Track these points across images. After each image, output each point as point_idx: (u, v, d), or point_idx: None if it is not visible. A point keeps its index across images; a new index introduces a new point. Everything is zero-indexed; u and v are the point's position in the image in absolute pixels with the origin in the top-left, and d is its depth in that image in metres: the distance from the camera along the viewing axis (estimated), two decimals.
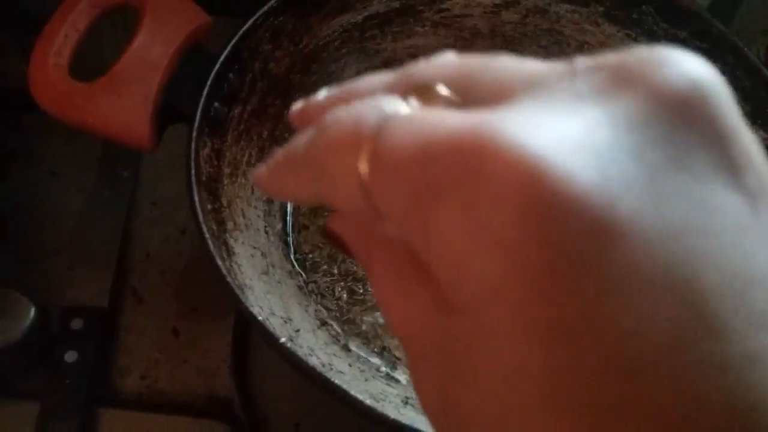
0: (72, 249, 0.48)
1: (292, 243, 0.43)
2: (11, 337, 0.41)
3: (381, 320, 0.41)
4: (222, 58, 0.40)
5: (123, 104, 0.38)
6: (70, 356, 0.43)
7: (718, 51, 0.42)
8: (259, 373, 0.45)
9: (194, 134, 0.37)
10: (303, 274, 0.42)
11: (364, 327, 0.41)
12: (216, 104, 0.40)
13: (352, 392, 0.30)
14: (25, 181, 0.53)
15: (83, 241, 0.49)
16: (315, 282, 0.42)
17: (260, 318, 0.31)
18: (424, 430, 0.29)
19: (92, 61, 0.42)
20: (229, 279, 0.32)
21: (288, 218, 0.44)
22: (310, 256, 0.43)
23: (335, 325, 0.41)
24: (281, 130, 0.45)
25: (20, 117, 0.54)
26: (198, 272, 0.49)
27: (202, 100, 0.38)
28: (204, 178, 0.38)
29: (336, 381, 0.32)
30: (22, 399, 0.42)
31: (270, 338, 0.31)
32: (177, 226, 0.51)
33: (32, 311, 0.42)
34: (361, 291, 0.42)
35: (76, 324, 0.44)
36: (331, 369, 0.37)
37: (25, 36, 0.42)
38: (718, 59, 0.42)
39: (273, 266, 0.41)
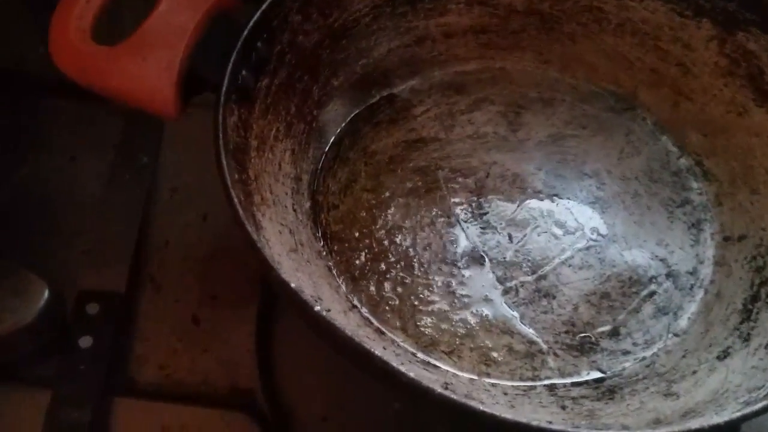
0: (89, 234, 0.46)
1: (322, 223, 0.41)
2: (23, 319, 0.38)
3: (413, 305, 0.38)
4: (251, 24, 0.38)
5: (147, 68, 0.36)
6: (85, 342, 0.41)
7: None
8: (285, 364, 0.42)
9: (222, 98, 0.35)
10: (332, 255, 0.40)
11: (396, 311, 0.38)
12: (244, 72, 0.38)
13: (393, 363, 0.27)
14: (44, 167, 0.51)
15: (101, 227, 0.47)
16: (345, 263, 0.39)
17: (293, 283, 0.29)
18: (475, 405, 0.26)
19: (114, 27, 0.40)
20: (259, 245, 0.30)
21: (316, 197, 0.41)
22: (341, 236, 0.40)
23: (366, 310, 0.38)
24: (309, 107, 0.43)
25: (38, 102, 0.53)
26: (219, 259, 0.46)
27: (231, 64, 0.36)
28: (231, 147, 0.35)
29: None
30: (32, 385, 0.40)
31: (304, 306, 0.29)
32: (197, 212, 0.48)
33: (46, 293, 0.39)
34: (393, 275, 0.39)
35: (92, 309, 0.42)
36: None
37: (42, 10, 0.40)
38: None
39: (302, 245, 0.38)
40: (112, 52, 0.36)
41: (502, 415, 0.26)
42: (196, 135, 0.40)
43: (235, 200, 0.31)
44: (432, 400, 0.27)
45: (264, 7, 0.39)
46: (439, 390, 0.27)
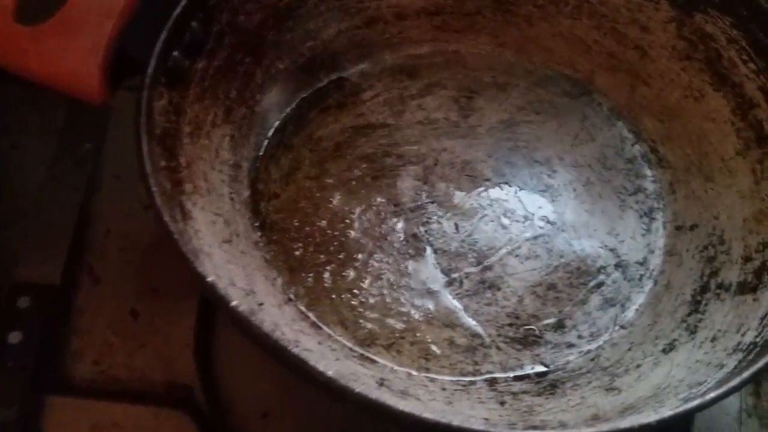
0: (27, 223, 0.45)
1: (261, 212, 0.39)
2: None
3: (354, 297, 0.37)
4: (184, 2, 0.36)
5: (71, 49, 0.34)
6: (14, 337, 0.39)
7: (731, 3, 0.39)
8: (225, 359, 0.41)
9: (148, 80, 0.33)
10: (270, 246, 0.38)
11: (335, 304, 0.36)
12: (176, 53, 0.36)
13: (313, 363, 0.25)
14: None
15: (39, 216, 0.45)
16: (284, 255, 0.38)
17: (210, 277, 0.27)
18: (394, 406, 0.25)
19: (41, 7, 0.38)
20: (176, 236, 0.28)
21: (256, 185, 0.40)
22: (281, 226, 0.39)
23: (303, 302, 0.36)
24: (252, 91, 0.41)
25: None
26: (161, 250, 0.45)
27: (160, 45, 0.34)
28: (158, 132, 0.34)
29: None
30: None
31: (221, 301, 0.27)
32: (140, 201, 0.46)
33: None
34: (337, 266, 0.38)
35: (23, 302, 0.40)
36: (297, 346, 0.32)
37: None
38: (731, 12, 0.38)
39: (237, 235, 0.37)
40: (34, 33, 0.34)
41: (421, 415, 0.25)
42: None
43: (154, 189, 0.30)
44: (352, 400, 0.26)
45: None
46: (358, 390, 0.25)
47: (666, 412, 0.26)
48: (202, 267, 0.29)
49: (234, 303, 0.27)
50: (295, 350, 0.26)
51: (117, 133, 0.48)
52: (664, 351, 0.34)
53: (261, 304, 0.34)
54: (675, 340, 0.34)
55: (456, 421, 0.24)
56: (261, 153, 0.41)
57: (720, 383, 0.28)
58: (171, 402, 0.39)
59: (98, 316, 0.42)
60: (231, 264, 0.35)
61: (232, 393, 0.40)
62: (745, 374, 0.26)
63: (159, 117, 0.34)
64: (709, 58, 0.40)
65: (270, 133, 0.42)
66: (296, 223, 0.39)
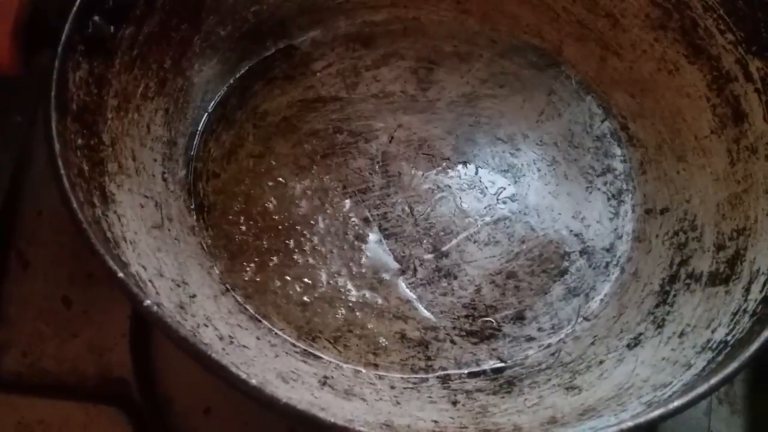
0: None
1: (198, 194, 0.36)
2: None
3: (300, 287, 0.34)
4: None
5: None
6: None
7: None
8: (164, 350, 0.38)
9: (61, 49, 0.29)
10: (209, 230, 0.35)
11: (279, 295, 0.34)
12: (96, 18, 0.32)
13: (235, 370, 0.23)
14: None
15: None
16: (224, 240, 0.35)
17: (121, 273, 0.24)
18: (324, 417, 0.22)
19: None
20: (85, 226, 0.25)
21: (193, 164, 0.37)
22: (220, 209, 0.36)
23: (243, 293, 0.33)
24: (189, 60, 0.38)
25: None
26: None
27: (75, 8, 0.30)
28: (74, 106, 0.30)
29: (232, 358, 0.25)
30: None
31: (133, 299, 0.24)
32: None
33: None
34: (282, 253, 0.35)
35: None
36: (231, 342, 0.30)
37: None
38: None
39: (170, 220, 0.34)
40: None
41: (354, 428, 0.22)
42: None
43: (62, 171, 0.26)
44: (280, 411, 0.23)
45: None
46: (285, 401, 0.22)
47: (626, 423, 0.23)
48: (129, 264, 0.25)
49: (147, 303, 0.24)
50: (215, 356, 0.23)
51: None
52: (629, 346, 0.31)
53: (193, 296, 0.31)
54: (641, 334, 0.32)
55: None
56: (199, 129, 0.38)
57: (686, 387, 0.26)
58: (104, 397, 0.37)
59: (28, 304, 0.39)
60: (161, 252, 0.32)
61: (171, 387, 0.37)
62: (714, 380, 0.24)
63: (76, 89, 0.31)
64: (684, 28, 0.37)
65: (210, 107, 0.39)
66: (237, 206, 0.36)
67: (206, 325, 0.30)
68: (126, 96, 0.34)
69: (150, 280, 0.29)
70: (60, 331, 0.39)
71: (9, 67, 0.32)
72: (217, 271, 0.34)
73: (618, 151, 0.39)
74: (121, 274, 0.24)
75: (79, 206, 0.26)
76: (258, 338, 0.32)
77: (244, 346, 0.30)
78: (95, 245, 0.25)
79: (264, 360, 0.30)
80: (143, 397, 0.36)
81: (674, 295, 0.33)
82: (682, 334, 0.30)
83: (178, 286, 0.31)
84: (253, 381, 0.23)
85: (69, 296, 0.39)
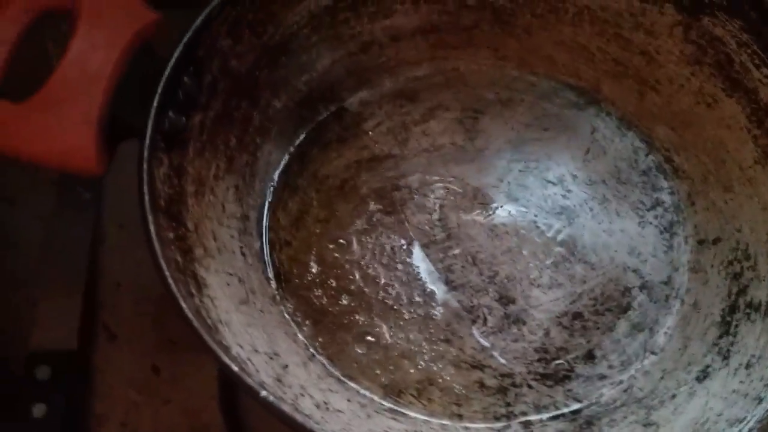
0: (34, 283, 0.44)
1: (274, 263, 0.38)
2: None
3: (378, 345, 0.36)
4: (173, 60, 0.34)
5: (62, 125, 0.33)
6: (38, 410, 0.38)
7: (740, 6, 0.37)
8: (254, 408, 0.40)
9: (146, 153, 0.32)
10: (288, 299, 0.37)
11: (360, 354, 0.36)
12: (171, 114, 0.34)
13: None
14: None
15: (46, 274, 0.44)
16: (304, 306, 0.37)
17: (236, 367, 0.26)
18: None
19: (32, 78, 0.36)
20: (196, 324, 0.27)
21: (266, 235, 0.39)
22: (296, 276, 0.38)
23: (327, 356, 0.36)
24: (251, 135, 0.40)
25: None
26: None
27: (153, 111, 0.33)
28: (162, 203, 0.32)
29: (332, 426, 0.28)
30: None
31: (251, 392, 0.26)
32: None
33: None
34: (357, 314, 0.37)
35: (43, 373, 0.40)
36: (327, 409, 0.32)
37: None
38: (740, 15, 0.37)
39: (253, 292, 0.36)
40: (20, 110, 0.33)
41: None
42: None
43: (166, 273, 0.29)
44: None
45: (188, 37, 0.35)
46: None
47: None
48: (230, 346, 0.28)
49: (263, 394, 0.26)
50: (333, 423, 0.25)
51: (113, 179, 0.47)
52: (698, 379, 0.33)
53: (286, 367, 0.34)
54: (708, 366, 0.34)
55: None
56: (267, 199, 0.40)
57: (761, 423, 0.28)
58: None
59: (119, 375, 0.42)
60: (251, 327, 0.34)
61: None
62: None
63: (161, 185, 0.33)
64: (720, 63, 0.39)
65: (275, 177, 0.41)
66: (311, 272, 0.38)
67: (302, 395, 0.32)
68: (201, 180, 0.36)
69: (249, 359, 0.31)
70: (152, 399, 0.41)
71: (96, 171, 0.34)
72: (301, 338, 0.36)
73: (665, 184, 0.41)
74: (235, 368, 0.27)
75: (184, 300, 0.28)
76: (348, 400, 0.34)
77: (338, 410, 0.33)
78: (208, 343, 0.27)
79: (359, 422, 0.32)
80: None
81: (736, 326, 0.34)
82: (748, 365, 0.32)
83: (271, 358, 0.33)
84: None
85: (156, 363, 0.42)
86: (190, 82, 0.36)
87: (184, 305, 0.28)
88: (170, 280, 0.28)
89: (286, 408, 0.26)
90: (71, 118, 0.33)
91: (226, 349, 0.30)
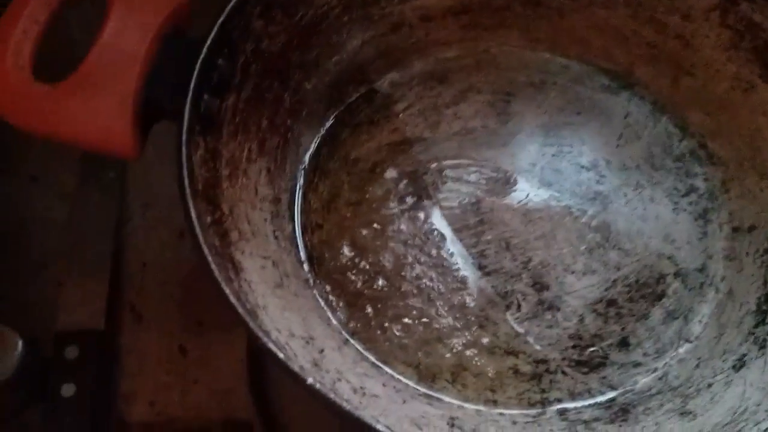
0: (59, 263, 0.43)
1: (306, 246, 0.38)
2: None
3: (412, 329, 0.36)
4: (209, 42, 0.34)
5: (97, 106, 0.32)
6: (67, 390, 0.38)
7: None
8: (283, 389, 0.41)
9: (184, 137, 0.31)
10: (321, 282, 0.37)
11: (394, 339, 0.36)
12: (206, 96, 0.34)
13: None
14: (2, 189, 0.47)
15: (71, 254, 0.44)
16: (337, 290, 0.37)
17: (282, 354, 0.26)
18: None
19: (62, 57, 0.36)
20: (241, 312, 0.27)
21: (297, 218, 0.39)
22: (328, 259, 0.38)
23: (361, 338, 0.36)
24: (282, 117, 0.39)
25: None
26: (201, 279, 0.43)
27: (190, 94, 0.32)
28: (200, 187, 0.32)
29: (370, 411, 0.28)
30: None
31: (296, 378, 0.26)
32: (174, 229, 0.45)
33: (20, 345, 0.37)
34: (391, 298, 0.37)
35: (71, 352, 0.39)
36: (364, 394, 0.32)
37: None
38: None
39: (287, 276, 0.36)
40: (55, 92, 0.32)
41: None
42: (165, 142, 0.36)
43: (209, 258, 0.28)
44: None
45: (222, 18, 0.35)
46: None
47: None
48: (269, 331, 0.28)
49: (310, 381, 0.26)
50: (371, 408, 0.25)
51: (139, 158, 0.47)
52: (735, 368, 0.33)
53: (322, 351, 0.33)
54: (744, 355, 0.34)
55: None
56: (299, 182, 0.40)
57: None
58: None
59: (147, 356, 0.42)
60: (286, 311, 0.34)
61: (293, 426, 0.40)
62: None
63: (198, 169, 0.33)
64: (758, 48, 0.38)
65: (306, 160, 0.40)
66: (344, 255, 0.38)
67: (339, 380, 0.32)
68: (234, 163, 0.36)
69: (287, 344, 0.31)
70: (181, 379, 0.41)
71: (131, 154, 0.34)
72: (335, 322, 0.36)
73: (699, 170, 0.40)
74: (281, 355, 0.27)
75: (227, 285, 0.28)
76: (384, 385, 0.34)
77: (375, 395, 0.33)
78: (255, 332, 0.27)
79: (395, 407, 0.32)
80: None
81: None
82: None
83: (308, 343, 0.33)
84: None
85: (184, 344, 0.42)
86: (224, 65, 0.35)
87: (227, 290, 0.28)
88: (213, 266, 0.28)
89: (333, 395, 0.26)
90: (108, 101, 0.33)
91: (267, 334, 0.30)
